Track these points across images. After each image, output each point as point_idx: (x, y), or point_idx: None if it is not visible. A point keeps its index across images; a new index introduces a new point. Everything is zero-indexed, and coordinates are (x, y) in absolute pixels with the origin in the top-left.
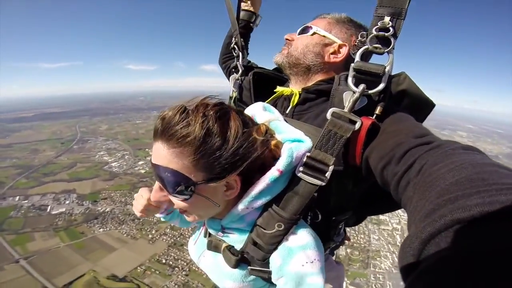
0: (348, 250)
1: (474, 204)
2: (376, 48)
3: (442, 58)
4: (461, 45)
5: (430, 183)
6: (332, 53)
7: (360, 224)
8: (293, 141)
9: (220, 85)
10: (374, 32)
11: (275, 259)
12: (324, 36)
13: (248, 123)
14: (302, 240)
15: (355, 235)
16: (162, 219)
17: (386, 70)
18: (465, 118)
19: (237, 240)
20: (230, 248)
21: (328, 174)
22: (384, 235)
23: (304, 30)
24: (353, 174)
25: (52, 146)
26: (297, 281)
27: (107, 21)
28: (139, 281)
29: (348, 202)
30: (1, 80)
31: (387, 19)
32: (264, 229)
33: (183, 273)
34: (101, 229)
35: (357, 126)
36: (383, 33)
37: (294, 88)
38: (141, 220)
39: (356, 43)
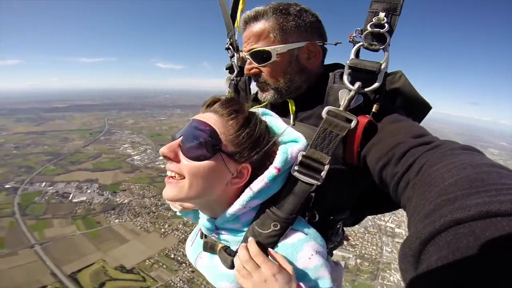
0: (358, 261)
1: (473, 204)
2: (371, 45)
3: (478, 68)
4: (500, 54)
5: (430, 184)
6: (308, 59)
7: (374, 236)
8: (288, 142)
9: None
10: (369, 29)
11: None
12: (289, 51)
13: (269, 128)
14: (303, 234)
15: (367, 246)
16: (178, 213)
17: (382, 67)
18: (500, 134)
19: (232, 240)
20: (226, 248)
21: (323, 174)
22: (398, 248)
23: (264, 58)
24: (351, 173)
25: (81, 136)
26: (307, 275)
27: (140, 19)
28: (145, 273)
29: (346, 202)
30: (44, 72)
31: (382, 14)
32: (260, 229)
33: (190, 269)
34: (117, 220)
35: (353, 124)
36: (378, 29)
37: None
38: (156, 214)
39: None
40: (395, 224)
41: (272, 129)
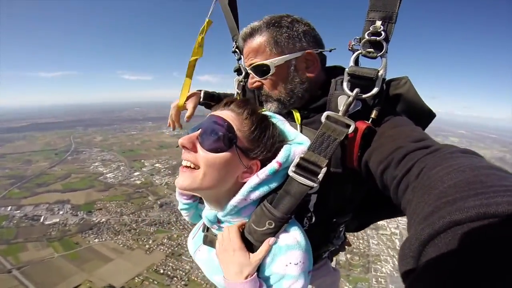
0: (348, 256)
1: (472, 206)
2: (369, 52)
3: (435, 64)
4: (454, 50)
5: (429, 186)
6: (306, 68)
7: (364, 231)
8: (294, 144)
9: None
10: (367, 37)
11: (265, 257)
12: (286, 62)
13: (278, 128)
14: (292, 240)
15: (354, 240)
16: (180, 208)
17: (379, 74)
18: (457, 124)
19: None
20: None
21: (320, 176)
22: (383, 240)
23: (264, 71)
24: (352, 178)
25: (45, 157)
26: (277, 282)
27: (102, 30)
28: None
29: (348, 205)
30: None
31: (378, 23)
32: (255, 227)
33: (182, 283)
34: (96, 240)
35: (351, 129)
36: (375, 37)
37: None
38: (137, 231)
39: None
40: None
41: (282, 131)
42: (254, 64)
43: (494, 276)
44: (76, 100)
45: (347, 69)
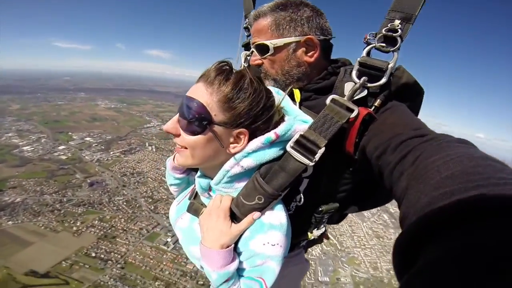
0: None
1: (472, 200)
2: (382, 46)
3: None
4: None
5: (425, 176)
6: (306, 53)
7: None
8: (298, 121)
9: (166, 72)
10: (383, 32)
11: (245, 231)
12: (285, 44)
13: (271, 95)
14: (275, 219)
15: None
16: (173, 181)
17: (390, 66)
18: None
19: None
20: None
21: (317, 156)
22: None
23: (264, 51)
24: (346, 165)
25: None
26: (251, 259)
27: None
28: (66, 276)
29: (337, 194)
30: None
31: (397, 22)
32: (244, 200)
33: (118, 266)
34: (10, 222)
35: (354, 114)
36: (391, 33)
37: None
38: (62, 212)
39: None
40: None
41: (286, 108)
42: (256, 43)
43: (498, 274)
44: None
45: (358, 59)
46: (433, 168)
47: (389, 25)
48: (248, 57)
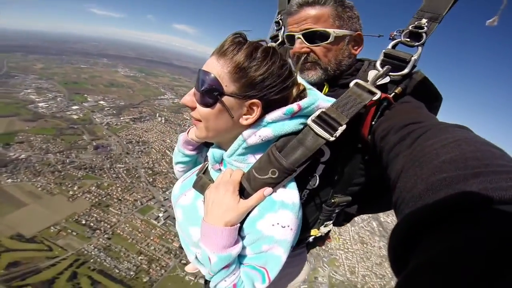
0: None
1: (475, 192)
2: (408, 41)
3: None
4: None
5: (422, 159)
6: (353, 46)
7: None
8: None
9: (188, 47)
10: (410, 28)
11: (253, 210)
12: (344, 35)
13: (287, 66)
14: (288, 198)
15: None
16: (182, 157)
17: (413, 58)
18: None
19: None
20: None
21: (338, 132)
22: None
23: (321, 38)
24: (362, 153)
25: None
26: (256, 243)
27: None
28: (51, 242)
29: (351, 185)
30: None
31: (424, 20)
32: (257, 174)
33: (105, 236)
34: (10, 180)
35: (376, 96)
36: (417, 29)
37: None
38: (62, 174)
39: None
40: None
41: (310, 91)
42: (312, 30)
43: (502, 266)
44: (24, 26)
45: (384, 50)
46: (431, 151)
47: (416, 23)
48: (286, 45)
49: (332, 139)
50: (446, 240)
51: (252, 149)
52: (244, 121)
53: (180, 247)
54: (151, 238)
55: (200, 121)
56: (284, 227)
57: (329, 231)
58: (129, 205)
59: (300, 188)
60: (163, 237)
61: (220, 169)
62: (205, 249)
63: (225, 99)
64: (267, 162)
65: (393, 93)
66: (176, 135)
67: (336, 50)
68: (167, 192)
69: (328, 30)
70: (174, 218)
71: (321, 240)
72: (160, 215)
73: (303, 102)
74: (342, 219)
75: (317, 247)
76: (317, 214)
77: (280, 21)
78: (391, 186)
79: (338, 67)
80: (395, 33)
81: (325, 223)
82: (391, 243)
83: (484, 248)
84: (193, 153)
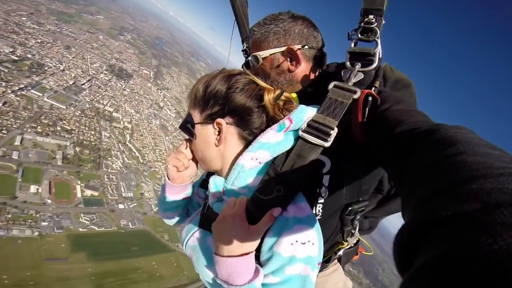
0: (77, 149)
1: (475, 194)
2: (364, 37)
3: None
4: None
5: (422, 166)
6: (290, 61)
7: (91, 120)
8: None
9: None
10: (362, 25)
11: (267, 233)
12: (271, 55)
13: (229, 82)
14: (300, 212)
15: (85, 131)
16: (167, 204)
17: (376, 50)
18: (209, 54)
19: None
20: None
21: (331, 137)
22: (115, 133)
23: (256, 61)
24: (361, 152)
25: None
26: (279, 268)
27: None
28: None
29: (362, 189)
30: None
31: (371, 16)
32: (262, 195)
33: None
34: None
35: (357, 94)
36: (369, 25)
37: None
38: None
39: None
40: (113, 108)
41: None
42: (250, 55)
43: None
44: None
45: (348, 49)
46: (430, 160)
47: (365, 20)
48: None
49: (327, 144)
50: (442, 243)
51: (251, 173)
52: (218, 143)
53: None
54: None
55: (196, 157)
56: (304, 243)
57: (358, 241)
58: None
59: (312, 203)
60: None
61: (222, 199)
62: (224, 285)
63: (197, 127)
64: (270, 182)
65: (374, 87)
66: None
67: (267, 70)
68: None
69: (255, 54)
70: None
71: (354, 252)
72: None
73: (293, 115)
74: (368, 226)
75: (134, 164)
76: (338, 226)
77: (247, 49)
78: (396, 188)
79: (275, 84)
80: (351, 33)
81: (350, 233)
82: (394, 248)
83: (479, 253)
84: (179, 197)
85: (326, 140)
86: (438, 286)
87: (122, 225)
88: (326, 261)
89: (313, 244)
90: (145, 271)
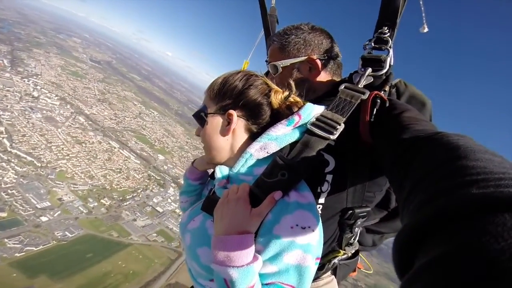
0: None
1: (478, 198)
2: (377, 46)
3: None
4: None
5: (425, 170)
6: (309, 70)
7: None
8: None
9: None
10: (376, 36)
11: (267, 216)
12: (291, 64)
13: (245, 79)
14: (302, 198)
15: None
16: (186, 187)
17: (387, 57)
18: (86, 28)
19: None
20: None
21: (337, 131)
22: None
23: (275, 70)
24: (367, 155)
25: None
26: (277, 254)
27: None
28: None
29: (365, 194)
30: None
31: (385, 28)
32: (266, 178)
33: None
34: None
35: (366, 95)
36: (382, 36)
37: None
38: None
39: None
40: None
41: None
42: (269, 64)
43: (504, 269)
44: None
45: (360, 56)
46: (434, 164)
47: (379, 31)
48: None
49: (333, 137)
50: (444, 244)
51: (258, 163)
52: (227, 132)
53: None
54: None
55: (203, 144)
56: (305, 228)
57: (357, 254)
58: None
59: (314, 188)
60: None
61: (227, 186)
62: (220, 269)
63: (210, 117)
64: (275, 166)
65: (383, 91)
66: None
67: (286, 79)
68: None
69: (274, 63)
70: None
71: (352, 267)
72: None
73: (302, 111)
74: (371, 243)
75: (31, 170)
76: (336, 232)
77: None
78: (395, 193)
79: (300, 94)
80: (366, 43)
81: (349, 241)
82: (393, 251)
83: (482, 252)
84: (197, 183)
85: (332, 133)
86: (441, 285)
87: (59, 237)
88: (319, 269)
89: (313, 230)
90: (117, 273)
